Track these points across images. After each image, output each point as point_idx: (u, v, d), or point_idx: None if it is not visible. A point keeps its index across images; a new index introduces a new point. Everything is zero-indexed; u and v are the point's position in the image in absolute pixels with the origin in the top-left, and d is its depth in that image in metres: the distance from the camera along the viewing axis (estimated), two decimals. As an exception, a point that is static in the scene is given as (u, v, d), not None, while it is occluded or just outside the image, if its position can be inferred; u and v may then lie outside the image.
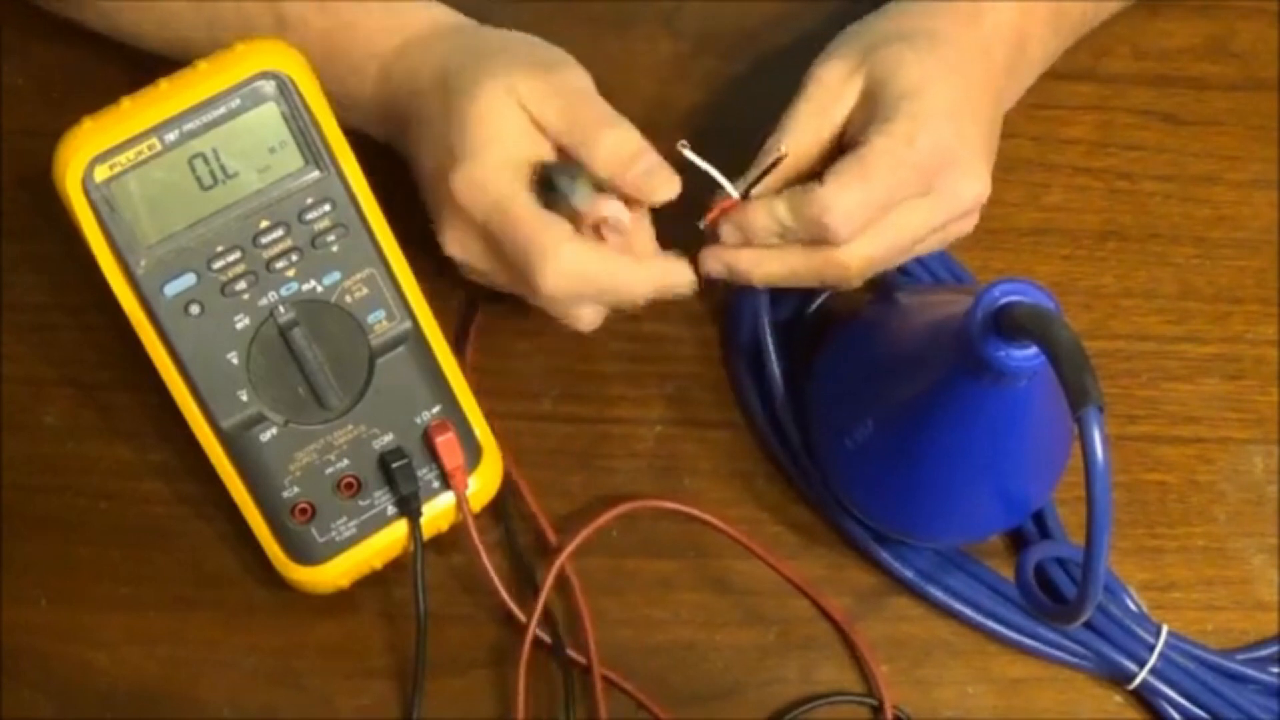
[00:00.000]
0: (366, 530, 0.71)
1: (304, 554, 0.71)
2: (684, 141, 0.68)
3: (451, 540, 0.74)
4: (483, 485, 0.73)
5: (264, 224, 0.67)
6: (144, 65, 0.71)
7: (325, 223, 0.68)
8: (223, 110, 0.66)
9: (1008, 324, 0.61)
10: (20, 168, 0.79)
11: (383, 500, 0.71)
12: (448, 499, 0.72)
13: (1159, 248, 0.82)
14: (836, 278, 0.70)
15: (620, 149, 0.68)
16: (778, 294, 0.76)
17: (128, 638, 0.74)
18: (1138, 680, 0.74)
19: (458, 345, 0.76)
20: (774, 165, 0.69)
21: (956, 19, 0.72)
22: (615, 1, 0.84)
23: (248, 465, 0.70)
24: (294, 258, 0.68)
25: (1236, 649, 0.76)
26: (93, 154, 0.65)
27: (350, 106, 0.73)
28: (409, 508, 0.71)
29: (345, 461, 0.70)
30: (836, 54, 0.72)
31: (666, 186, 0.68)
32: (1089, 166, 0.83)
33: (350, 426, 0.70)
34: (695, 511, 0.75)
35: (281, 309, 0.68)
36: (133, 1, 0.75)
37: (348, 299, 0.69)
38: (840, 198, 0.67)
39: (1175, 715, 0.74)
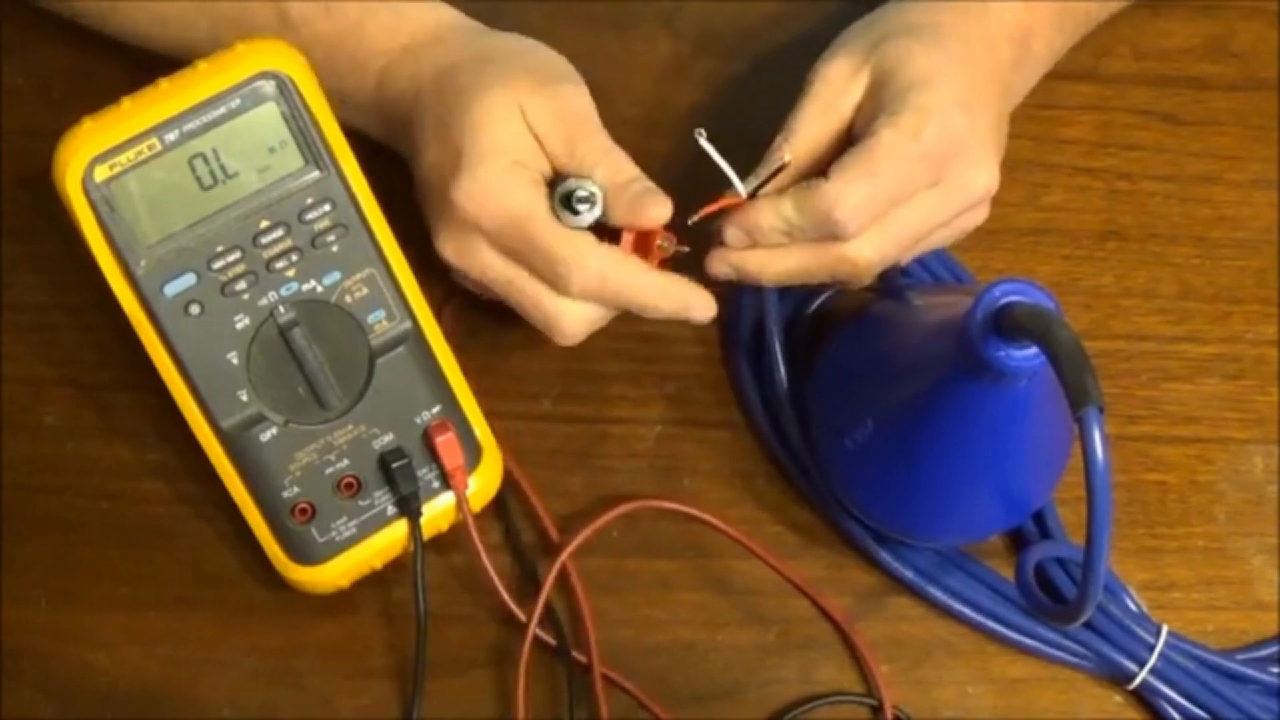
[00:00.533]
0: (366, 530, 0.71)
1: (304, 554, 0.71)
2: (701, 130, 0.68)
3: (451, 540, 0.74)
4: (483, 485, 0.73)
5: (264, 224, 0.67)
6: (144, 65, 0.71)
7: (325, 223, 0.68)
8: (223, 110, 0.66)
9: (1008, 324, 0.61)
10: (20, 168, 0.79)
11: (383, 500, 0.71)
12: (448, 499, 0.72)
13: (1159, 248, 0.82)
14: (847, 274, 0.70)
15: (614, 175, 0.69)
16: (779, 294, 0.76)
17: (128, 638, 0.74)
18: (1138, 680, 0.74)
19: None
20: (779, 171, 0.69)
21: (961, 14, 0.73)
22: (615, 1, 0.84)
23: (248, 465, 0.70)
24: (294, 258, 0.68)
25: (1236, 649, 0.76)
26: (93, 154, 0.65)
27: (351, 105, 0.73)
28: (409, 508, 0.71)
29: (345, 461, 0.70)
30: (842, 50, 0.72)
31: (658, 209, 0.68)
32: (1089, 166, 0.83)
33: (350, 426, 0.70)
34: (695, 511, 0.75)
35: (281, 309, 0.68)
36: (134, 1, 0.75)
37: (348, 299, 0.69)
38: (848, 192, 0.67)
39: (1175, 715, 0.74)
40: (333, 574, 0.71)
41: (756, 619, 0.75)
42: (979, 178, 0.70)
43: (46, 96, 0.81)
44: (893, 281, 0.74)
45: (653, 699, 0.73)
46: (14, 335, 0.77)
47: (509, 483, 0.75)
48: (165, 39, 0.76)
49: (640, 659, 0.74)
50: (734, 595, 0.76)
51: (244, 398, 0.68)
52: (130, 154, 0.65)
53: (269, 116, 0.66)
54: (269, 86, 0.66)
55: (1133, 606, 0.75)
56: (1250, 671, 0.75)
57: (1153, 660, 0.73)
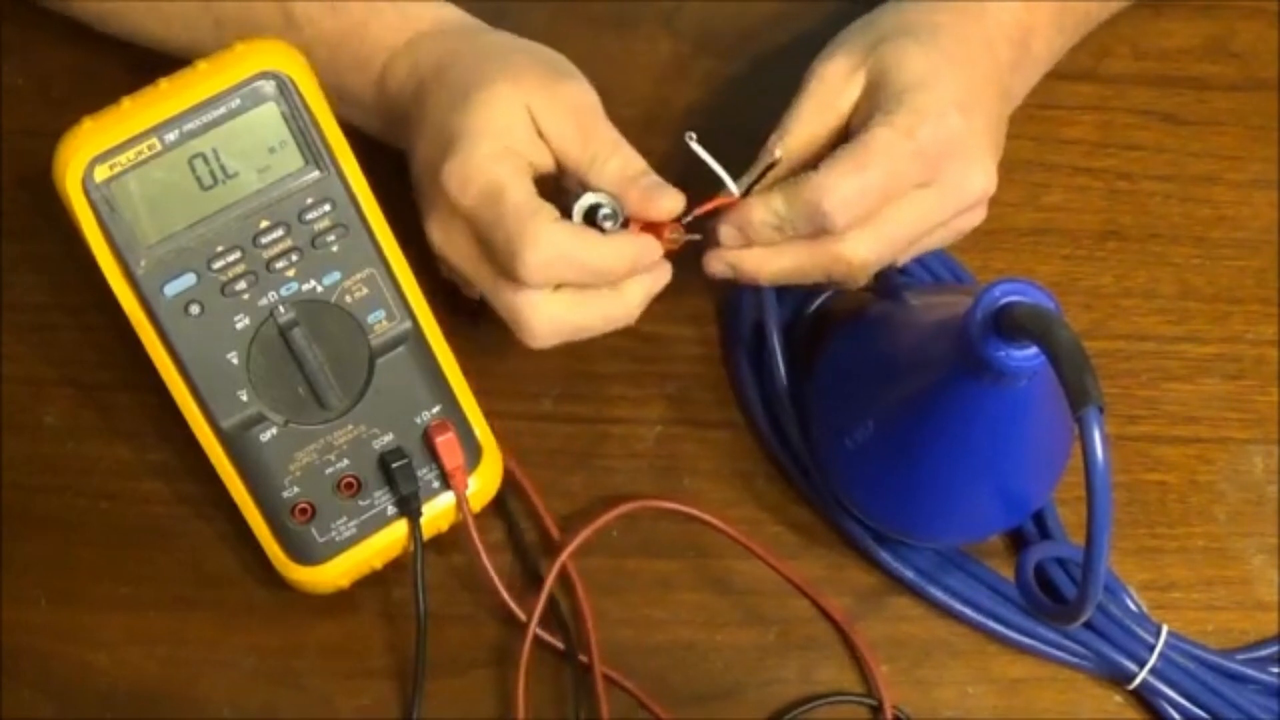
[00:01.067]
0: (366, 530, 0.71)
1: (304, 554, 0.71)
2: (691, 133, 0.68)
3: (451, 540, 0.74)
4: (483, 485, 0.73)
5: (264, 224, 0.67)
6: (144, 65, 0.71)
7: (325, 223, 0.68)
8: (223, 110, 0.66)
9: (1008, 324, 0.61)
10: (20, 168, 0.79)
11: (383, 500, 0.71)
12: (448, 499, 0.72)
13: (1159, 248, 0.82)
14: (843, 273, 0.70)
15: (626, 168, 0.69)
16: (778, 294, 0.76)
17: (128, 638, 0.74)
18: (1138, 680, 0.74)
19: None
20: (770, 167, 0.69)
21: (960, 15, 0.72)
22: (615, 1, 0.84)
23: (248, 465, 0.70)
24: (294, 258, 0.68)
25: (1236, 649, 0.76)
26: (93, 154, 0.65)
27: (351, 102, 0.73)
28: (409, 508, 0.71)
29: (345, 461, 0.70)
30: (839, 50, 0.71)
31: (671, 200, 0.68)
32: (1089, 166, 0.83)
33: (350, 426, 0.70)
34: (695, 511, 0.75)
35: (281, 309, 0.68)
36: (137, 1, 0.75)
37: (348, 299, 0.69)
38: (837, 183, 0.67)
39: (1175, 715, 0.74)
40: (333, 574, 0.71)
41: (756, 619, 0.75)
42: (975, 179, 0.70)
43: (46, 96, 0.81)
44: (892, 281, 0.74)
45: (653, 699, 0.73)
46: (14, 335, 0.77)
47: (510, 483, 0.75)
48: (168, 38, 0.76)
49: (640, 659, 0.74)
50: (734, 595, 0.76)
51: (244, 398, 0.68)
52: (130, 154, 0.65)
53: (269, 116, 0.66)
54: (269, 86, 0.66)
55: (1133, 606, 0.76)
56: (1250, 671, 0.75)
57: (1153, 660, 0.73)
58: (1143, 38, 0.85)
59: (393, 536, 0.72)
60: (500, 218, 0.67)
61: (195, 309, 0.67)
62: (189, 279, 0.67)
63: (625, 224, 0.68)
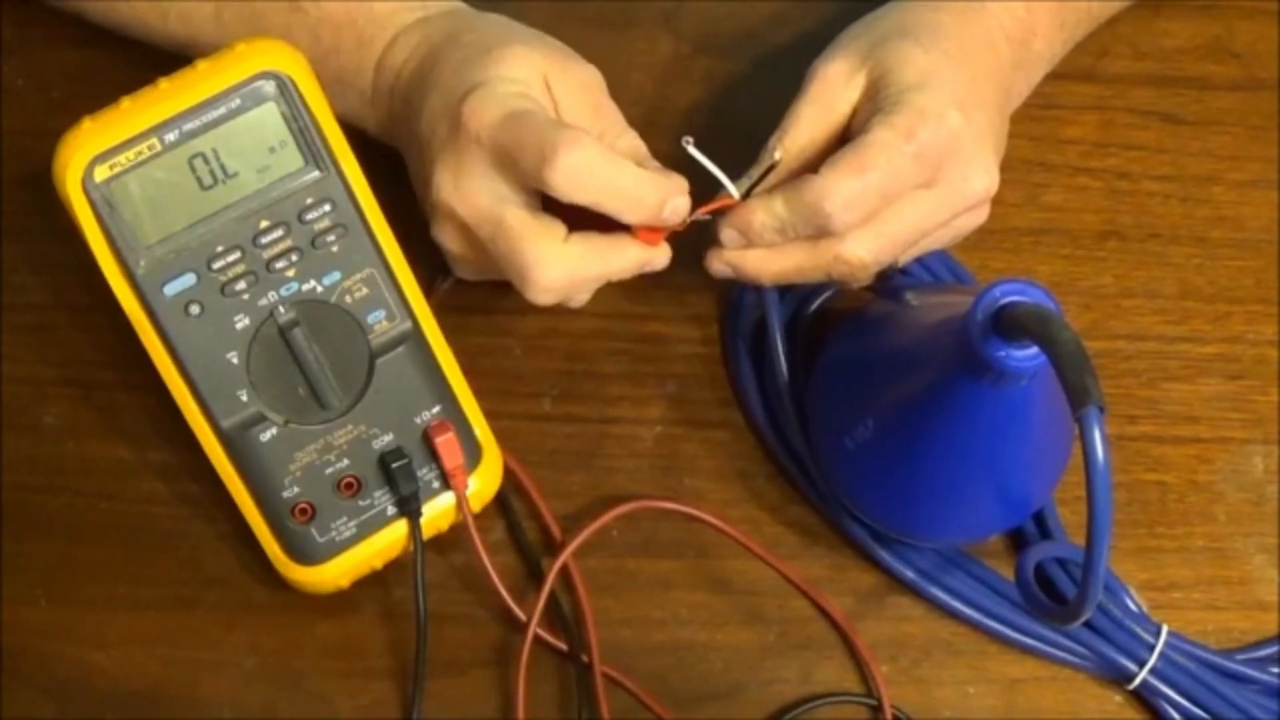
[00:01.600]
0: (366, 530, 0.71)
1: (304, 554, 0.71)
2: (689, 138, 0.68)
3: (451, 540, 0.74)
4: (483, 485, 0.73)
5: (264, 224, 0.67)
6: (144, 65, 0.71)
7: (325, 223, 0.68)
8: (223, 110, 0.66)
9: (1008, 324, 0.61)
10: (20, 168, 0.79)
11: (383, 500, 0.71)
12: (448, 499, 0.72)
13: (1159, 248, 0.82)
14: (843, 274, 0.70)
15: (636, 149, 0.70)
16: (778, 293, 0.76)
17: (128, 638, 0.74)
18: (1138, 680, 0.74)
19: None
20: (770, 169, 0.69)
21: (960, 14, 0.72)
22: (615, 1, 0.84)
23: (248, 465, 0.70)
24: (294, 258, 0.68)
25: (1236, 649, 0.76)
26: (93, 154, 0.65)
27: (348, 85, 0.73)
28: (409, 508, 0.71)
29: (345, 461, 0.70)
30: (839, 51, 0.71)
31: (675, 182, 0.68)
32: (1089, 166, 0.83)
33: (350, 426, 0.70)
34: (695, 511, 0.75)
35: (281, 309, 0.68)
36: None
37: (348, 299, 0.69)
38: (837, 185, 0.67)
39: (1175, 715, 0.74)
40: (333, 574, 0.71)
41: (756, 619, 0.75)
42: (976, 179, 0.70)
43: (46, 96, 0.81)
44: (893, 281, 0.74)
45: (653, 699, 0.73)
46: (14, 335, 0.77)
47: (510, 482, 0.75)
48: (169, 33, 0.75)
49: (640, 659, 0.74)
50: (734, 595, 0.76)
51: (244, 398, 0.68)
52: (130, 154, 0.65)
53: (269, 116, 0.66)
54: (269, 86, 0.66)
55: (1133, 606, 0.76)
56: (1250, 671, 0.75)
57: (1153, 660, 0.73)
58: (1143, 38, 0.85)
59: (393, 536, 0.72)
60: (529, 131, 0.66)
61: (195, 309, 0.67)
62: (189, 279, 0.67)
63: None
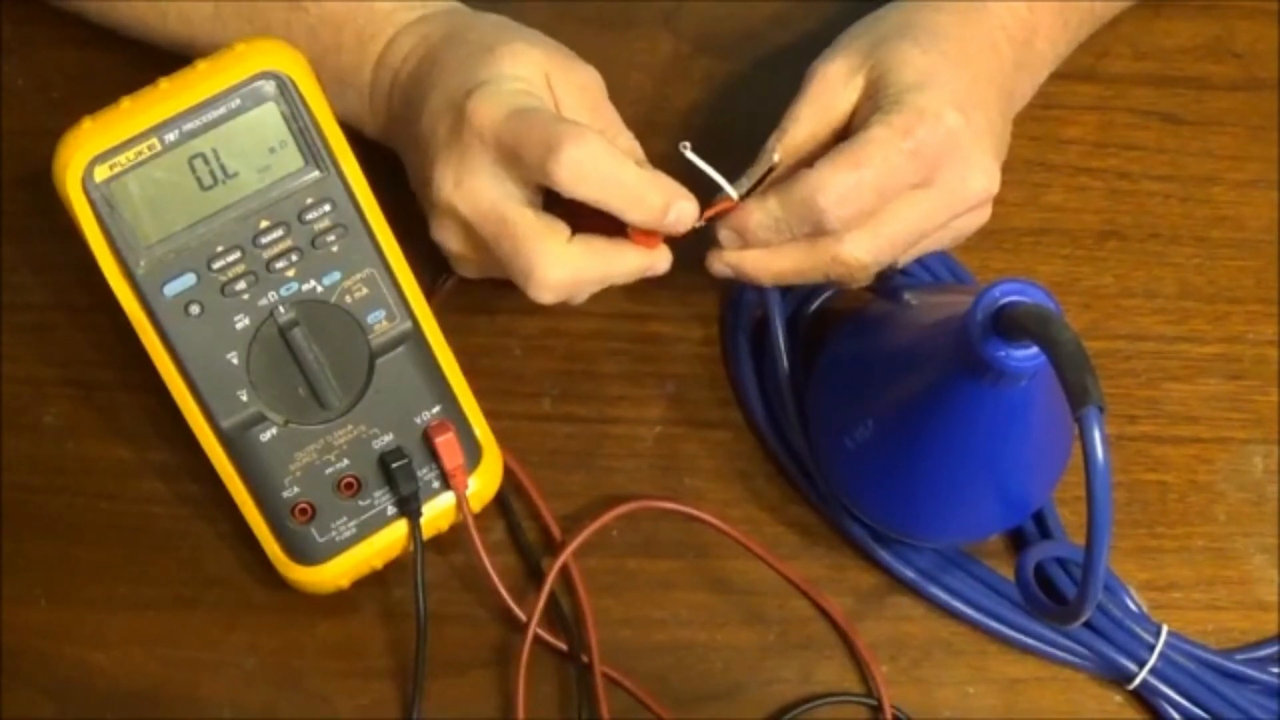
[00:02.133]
0: (366, 530, 0.71)
1: (304, 554, 0.71)
2: (685, 142, 0.68)
3: (451, 540, 0.74)
4: (483, 485, 0.73)
5: (264, 224, 0.67)
6: (144, 65, 0.71)
7: (325, 223, 0.68)
8: (223, 110, 0.66)
9: (1008, 324, 0.61)
10: (20, 168, 0.79)
11: (383, 500, 0.71)
12: (448, 499, 0.72)
13: (1159, 248, 0.82)
14: (842, 274, 0.70)
15: (635, 150, 0.70)
16: (779, 293, 0.76)
17: (128, 638, 0.74)
18: (1138, 680, 0.74)
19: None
20: (770, 171, 0.69)
21: (961, 15, 0.72)
22: (615, 1, 0.84)
23: (248, 465, 0.70)
24: (294, 258, 0.68)
25: (1236, 649, 0.76)
26: (93, 154, 0.65)
27: (346, 84, 0.73)
28: (409, 508, 0.71)
29: (345, 461, 0.70)
30: (839, 51, 0.71)
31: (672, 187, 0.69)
32: (1089, 166, 0.83)
33: (350, 426, 0.70)
34: (695, 511, 0.75)
35: (281, 309, 0.68)
36: None
37: (348, 299, 0.69)
38: (831, 180, 0.67)
39: (1175, 715, 0.74)
40: (333, 574, 0.71)
41: (756, 619, 0.75)
42: (975, 180, 0.70)
43: (46, 96, 0.81)
44: (893, 281, 0.74)
45: (653, 699, 0.73)
46: (14, 335, 0.77)
47: (510, 482, 0.75)
48: (166, 27, 0.75)
49: (640, 659, 0.74)
50: (734, 595, 0.76)
51: (244, 398, 0.68)
52: (130, 154, 0.65)
53: (269, 116, 0.66)
54: (269, 86, 0.66)
55: (1133, 606, 0.76)
56: (1250, 671, 0.75)
57: (1153, 660, 0.73)
58: (1143, 38, 0.85)
59: (393, 536, 0.72)
60: (534, 126, 0.66)
61: (195, 309, 0.67)
62: (189, 279, 0.67)
63: None
